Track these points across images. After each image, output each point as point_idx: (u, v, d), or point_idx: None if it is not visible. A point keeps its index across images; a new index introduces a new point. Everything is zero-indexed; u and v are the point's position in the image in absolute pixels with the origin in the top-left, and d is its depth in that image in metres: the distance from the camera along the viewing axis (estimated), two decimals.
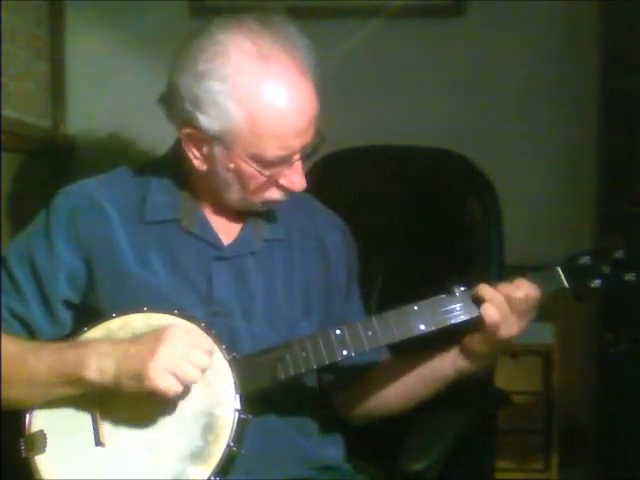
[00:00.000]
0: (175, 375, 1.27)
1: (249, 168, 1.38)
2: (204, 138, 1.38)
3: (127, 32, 2.59)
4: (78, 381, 1.32)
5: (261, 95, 1.34)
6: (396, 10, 2.52)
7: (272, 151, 1.37)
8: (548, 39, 2.56)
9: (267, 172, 1.38)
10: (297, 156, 1.39)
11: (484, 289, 1.37)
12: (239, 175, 1.40)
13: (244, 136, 1.36)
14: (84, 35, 2.62)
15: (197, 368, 1.29)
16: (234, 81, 1.34)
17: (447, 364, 1.45)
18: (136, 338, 1.33)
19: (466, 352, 1.43)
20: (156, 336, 1.31)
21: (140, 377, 1.28)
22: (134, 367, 1.29)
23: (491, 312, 1.35)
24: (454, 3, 2.56)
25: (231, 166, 1.39)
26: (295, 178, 1.41)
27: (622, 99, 2.40)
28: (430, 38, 2.58)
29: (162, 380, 1.27)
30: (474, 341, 1.41)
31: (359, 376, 1.53)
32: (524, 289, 1.36)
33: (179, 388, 1.28)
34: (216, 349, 1.34)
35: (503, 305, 1.35)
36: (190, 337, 1.31)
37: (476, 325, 1.39)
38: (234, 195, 1.44)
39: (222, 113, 1.35)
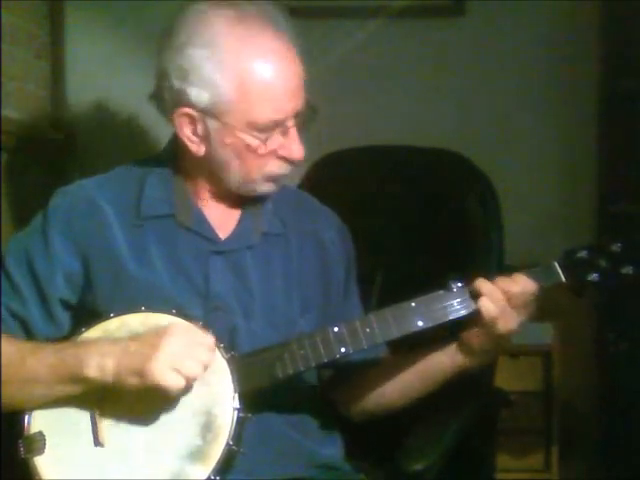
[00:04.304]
0: (177, 371, 1.27)
1: (246, 138, 1.38)
2: (197, 116, 1.38)
3: (127, 32, 2.59)
4: (78, 379, 1.32)
5: (246, 57, 1.35)
6: (396, 10, 2.52)
7: (265, 115, 1.37)
8: (548, 39, 2.55)
9: (263, 136, 1.38)
10: (291, 122, 1.40)
11: (481, 283, 1.37)
12: (237, 149, 1.40)
13: (235, 103, 1.36)
14: (84, 35, 2.62)
15: (199, 363, 1.29)
16: (217, 45, 1.35)
17: (446, 360, 1.45)
18: (136, 336, 1.34)
19: (464, 348, 1.43)
20: (157, 333, 1.31)
21: (142, 373, 1.28)
22: (135, 363, 1.29)
23: (489, 306, 1.35)
24: (454, 3, 2.56)
25: (228, 140, 1.39)
26: (293, 146, 1.41)
27: (622, 99, 2.40)
28: (430, 38, 2.58)
29: (164, 375, 1.27)
30: (472, 337, 1.41)
31: (358, 373, 1.53)
32: (521, 283, 1.37)
33: (181, 384, 1.28)
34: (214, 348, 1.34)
35: (500, 299, 1.36)
36: (191, 333, 1.32)
37: (475, 320, 1.39)
38: (235, 175, 1.43)
39: (209, 81, 1.36)
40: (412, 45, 2.57)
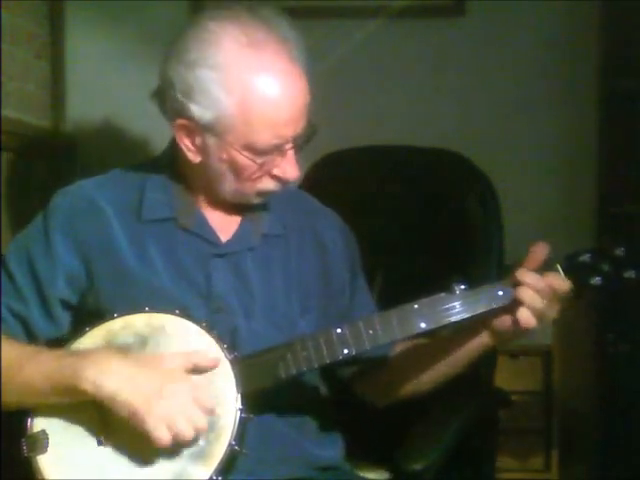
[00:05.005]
0: (170, 429, 1.27)
1: (242, 158, 1.38)
2: (197, 129, 1.38)
3: (127, 32, 2.60)
4: (73, 391, 1.31)
5: (253, 83, 1.35)
6: (396, 10, 2.53)
7: (265, 140, 1.37)
8: (548, 39, 2.56)
9: (260, 160, 1.38)
10: (290, 145, 1.40)
11: (524, 273, 1.33)
12: (232, 165, 1.40)
13: (236, 125, 1.36)
14: (84, 35, 2.62)
15: (193, 427, 1.28)
16: (226, 69, 1.35)
17: (474, 343, 1.42)
18: (141, 363, 1.32)
19: (495, 335, 1.40)
20: (164, 375, 1.30)
21: (135, 414, 1.27)
22: (133, 400, 1.28)
23: (533, 297, 1.32)
24: (454, 3, 2.56)
25: (224, 156, 1.39)
26: (288, 168, 1.41)
27: (622, 99, 2.40)
28: (430, 38, 2.58)
29: (155, 428, 1.27)
30: (506, 325, 1.37)
31: (382, 365, 1.52)
32: (558, 279, 1.34)
33: (168, 441, 1.27)
34: (217, 349, 1.34)
35: (544, 290, 1.33)
36: (195, 392, 1.30)
37: (510, 310, 1.36)
38: (228, 187, 1.43)
39: (214, 102, 1.35)
40: (412, 45, 2.58)
